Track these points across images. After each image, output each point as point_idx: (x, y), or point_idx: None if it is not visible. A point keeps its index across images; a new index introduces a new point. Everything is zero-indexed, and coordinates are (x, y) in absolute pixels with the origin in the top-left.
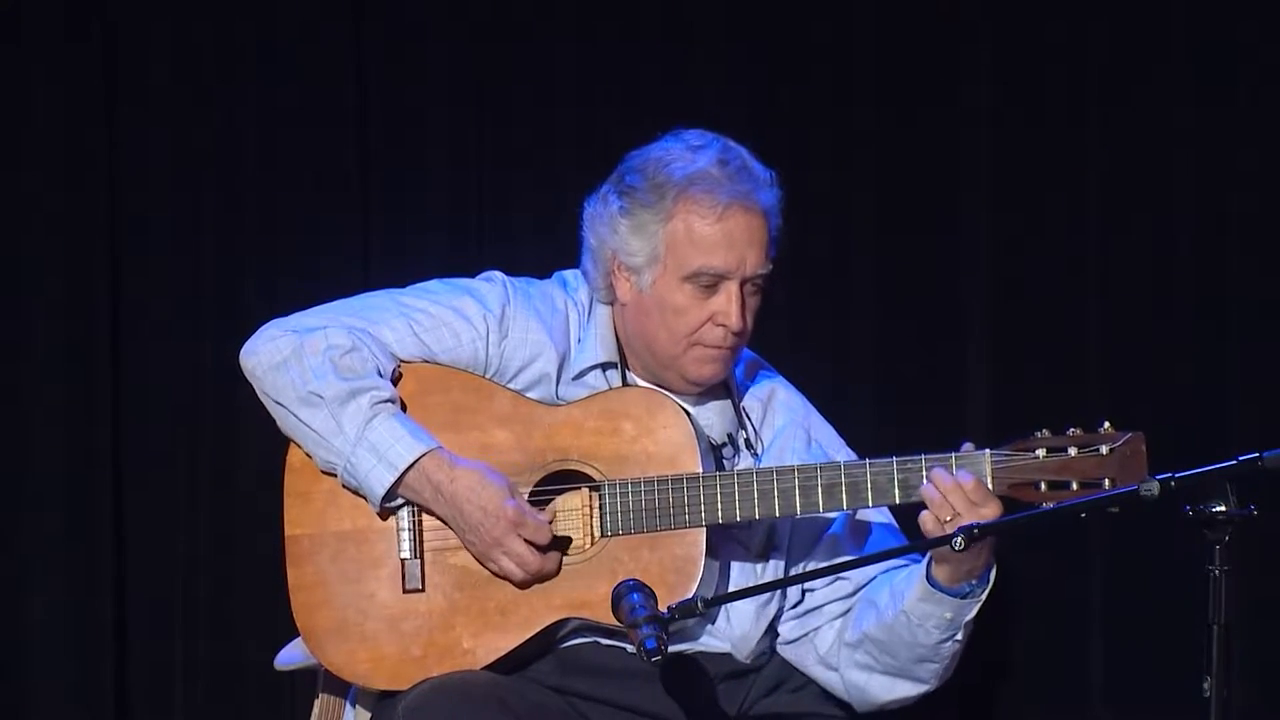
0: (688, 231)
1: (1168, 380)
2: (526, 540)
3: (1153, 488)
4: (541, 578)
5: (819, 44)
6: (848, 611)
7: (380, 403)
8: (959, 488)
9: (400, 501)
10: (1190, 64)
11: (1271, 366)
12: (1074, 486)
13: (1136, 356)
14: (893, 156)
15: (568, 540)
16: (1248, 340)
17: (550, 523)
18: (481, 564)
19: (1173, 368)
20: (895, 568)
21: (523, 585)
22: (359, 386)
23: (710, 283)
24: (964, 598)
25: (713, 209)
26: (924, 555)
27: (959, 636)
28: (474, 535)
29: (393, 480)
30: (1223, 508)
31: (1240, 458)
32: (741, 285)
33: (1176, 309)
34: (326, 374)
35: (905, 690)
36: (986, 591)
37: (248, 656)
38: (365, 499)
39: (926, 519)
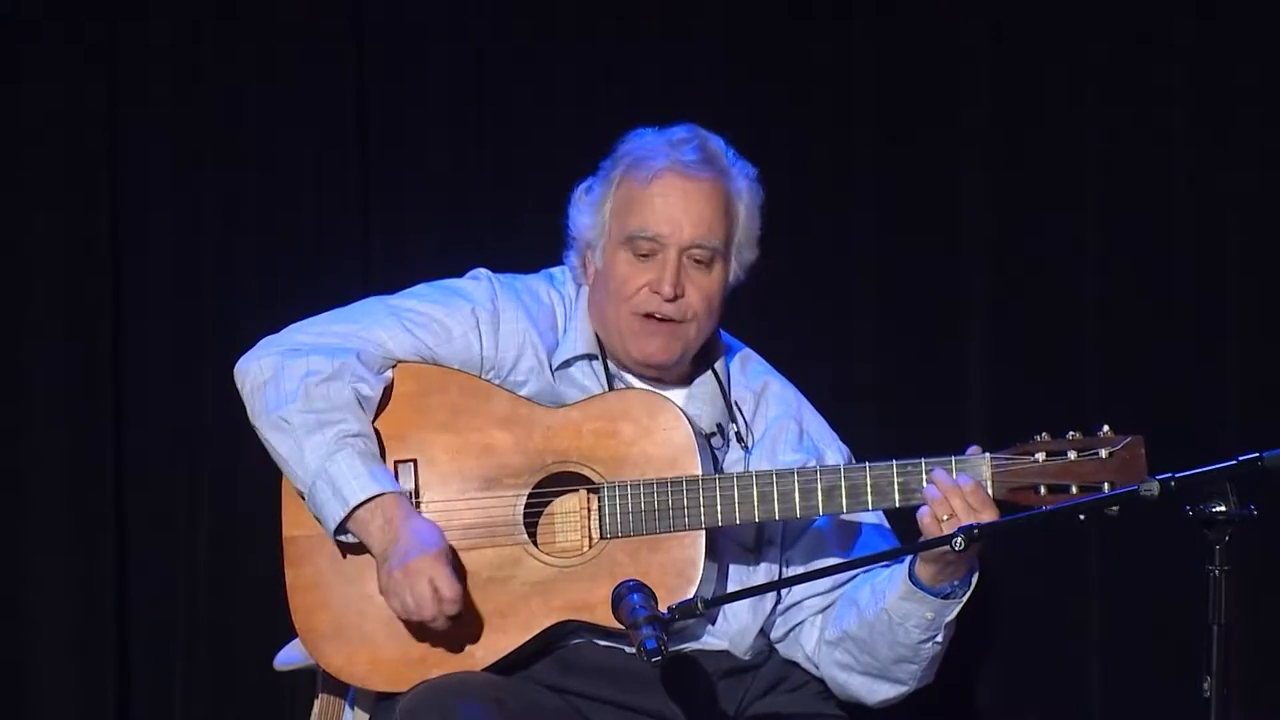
0: (626, 196)
1: (1168, 380)
2: (433, 588)
3: (1153, 488)
4: (419, 618)
5: (820, 44)
6: (829, 607)
7: (347, 438)
8: (958, 489)
9: (350, 538)
10: (1190, 64)
11: (1271, 366)
12: (1073, 490)
13: (1136, 356)
14: (893, 158)
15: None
16: (1248, 340)
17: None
18: (384, 594)
19: (1173, 368)
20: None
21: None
22: (328, 419)
23: (648, 249)
24: (946, 598)
25: (648, 172)
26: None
27: (939, 638)
28: (386, 562)
29: (343, 514)
30: (1223, 508)
31: (1240, 458)
32: (680, 255)
33: (1176, 309)
34: (297, 401)
35: (886, 692)
36: (969, 593)
37: (248, 657)
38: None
39: (924, 515)
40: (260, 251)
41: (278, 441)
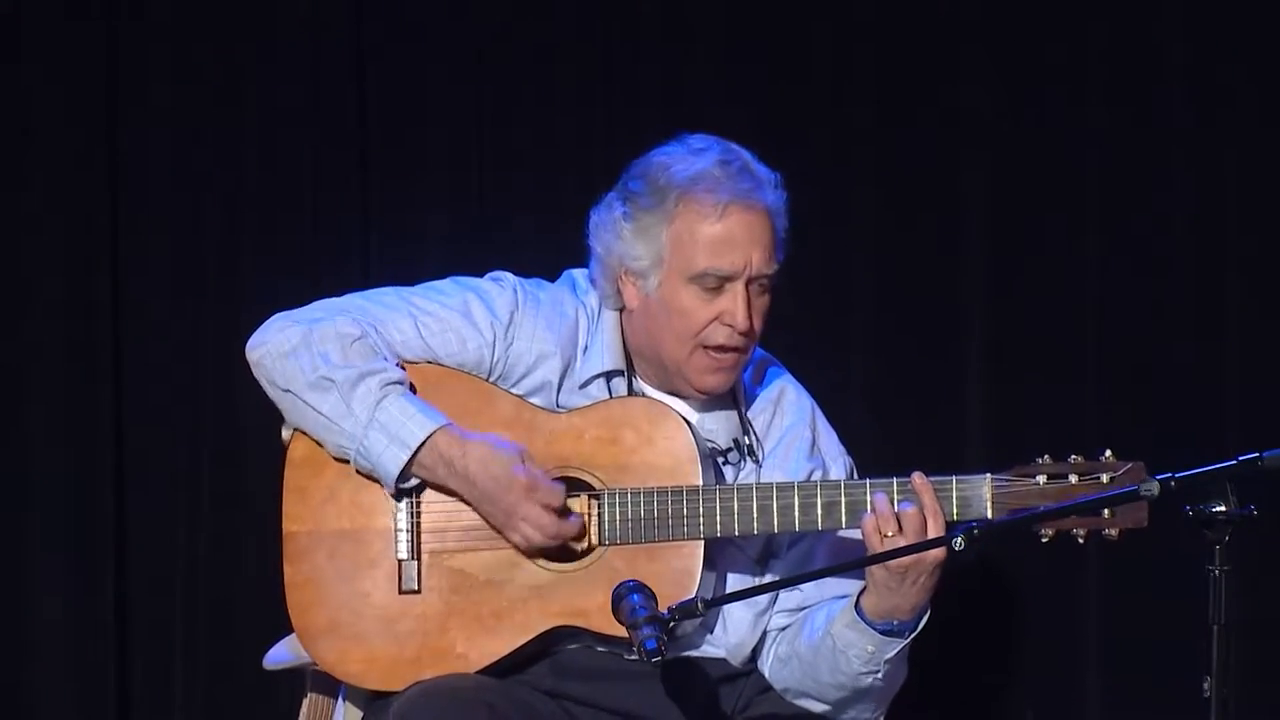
0: (690, 232)
1: (1168, 380)
2: (543, 505)
3: (1153, 488)
4: (562, 538)
5: (819, 44)
6: (788, 626)
7: (389, 384)
8: (894, 518)
9: (415, 482)
10: (1190, 64)
11: (1271, 366)
12: (1072, 516)
13: (1136, 356)
14: (892, 158)
15: (579, 516)
16: (1248, 340)
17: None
18: (504, 536)
19: (1173, 368)
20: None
21: (545, 554)
22: (368, 370)
23: (716, 284)
24: (888, 634)
25: (714, 208)
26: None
27: (880, 675)
28: (490, 506)
29: (406, 459)
30: (1223, 508)
31: (1240, 458)
32: (747, 285)
33: (1176, 309)
34: (336, 359)
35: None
36: (913, 634)
37: (247, 656)
38: (379, 482)
39: (868, 522)
40: (260, 252)
41: (319, 401)
